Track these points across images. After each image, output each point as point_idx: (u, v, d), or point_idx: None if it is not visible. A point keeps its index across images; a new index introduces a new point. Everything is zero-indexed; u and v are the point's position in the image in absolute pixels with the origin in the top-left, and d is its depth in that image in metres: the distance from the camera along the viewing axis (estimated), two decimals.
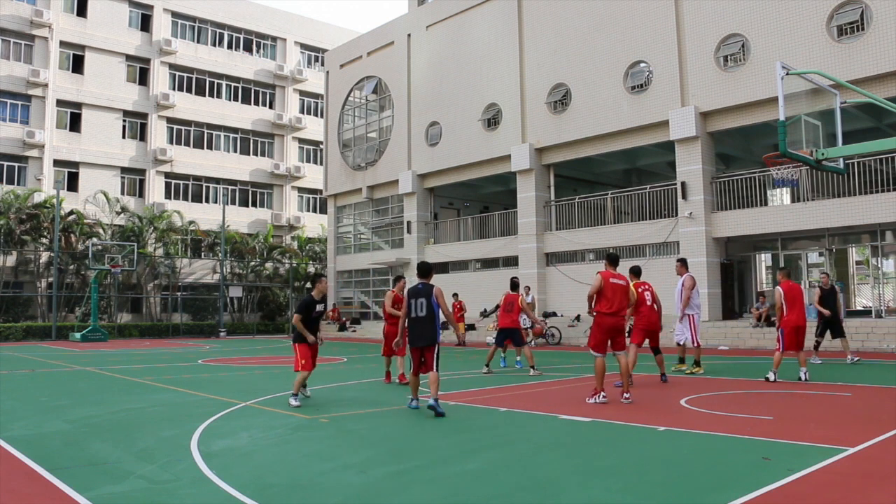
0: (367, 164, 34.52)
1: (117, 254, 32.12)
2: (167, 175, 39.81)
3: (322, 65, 41.46)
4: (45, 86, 35.81)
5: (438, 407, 7.97)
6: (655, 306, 11.07)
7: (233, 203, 41.48)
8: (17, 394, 10.64)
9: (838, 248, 21.55)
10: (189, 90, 41.12)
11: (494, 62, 28.10)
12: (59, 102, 36.55)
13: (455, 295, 24.96)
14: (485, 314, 27.37)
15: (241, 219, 41.56)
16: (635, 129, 23.64)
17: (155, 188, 39.16)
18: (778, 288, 11.09)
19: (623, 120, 23.68)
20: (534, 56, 26.66)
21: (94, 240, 33.16)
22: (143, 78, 39.61)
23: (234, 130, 42.50)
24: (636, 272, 11.45)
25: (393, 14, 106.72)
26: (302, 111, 45.41)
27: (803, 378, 10.57)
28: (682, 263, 12.63)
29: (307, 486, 5.00)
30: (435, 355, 8.26)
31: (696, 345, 12.22)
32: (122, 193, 38.00)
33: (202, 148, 41.24)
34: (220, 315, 35.80)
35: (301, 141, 45.07)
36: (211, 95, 41.82)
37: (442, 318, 8.75)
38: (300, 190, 44.87)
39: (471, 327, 26.39)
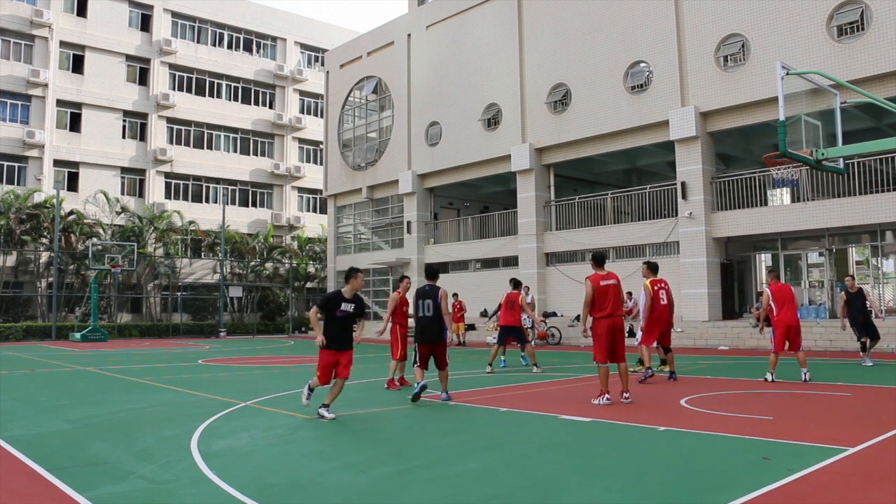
0: (367, 164, 34.52)
1: (117, 254, 32.12)
2: (167, 175, 39.82)
3: (322, 65, 41.47)
4: (45, 86, 35.81)
5: (451, 398, 9.22)
6: (670, 306, 11.18)
7: (233, 203, 41.49)
8: (17, 394, 10.63)
9: (838, 248, 21.54)
10: (189, 90, 41.12)
11: (494, 62, 28.10)
12: (59, 102, 36.56)
13: (455, 295, 24.96)
14: (484, 314, 27.38)
15: (241, 219, 41.56)
16: (635, 129, 23.64)
17: (155, 188, 39.16)
18: (766, 290, 11.08)
19: (623, 120, 23.68)
20: (534, 56, 26.66)
21: (94, 240, 33.15)
22: (143, 78, 39.62)
23: (234, 130, 42.50)
24: (654, 269, 11.38)
25: (393, 14, 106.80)
26: (302, 111, 45.42)
27: (805, 378, 10.57)
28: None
29: (307, 486, 5.00)
30: (445, 353, 9.34)
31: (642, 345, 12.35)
32: (122, 193, 38.00)
33: (202, 148, 41.24)
34: (220, 315, 35.80)
35: (301, 141, 45.07)
36: (211, 95, 41.83)
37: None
38: (300, 190, 44.87)
39: (471, 327, 26.40)
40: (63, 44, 36.89)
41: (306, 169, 44.47)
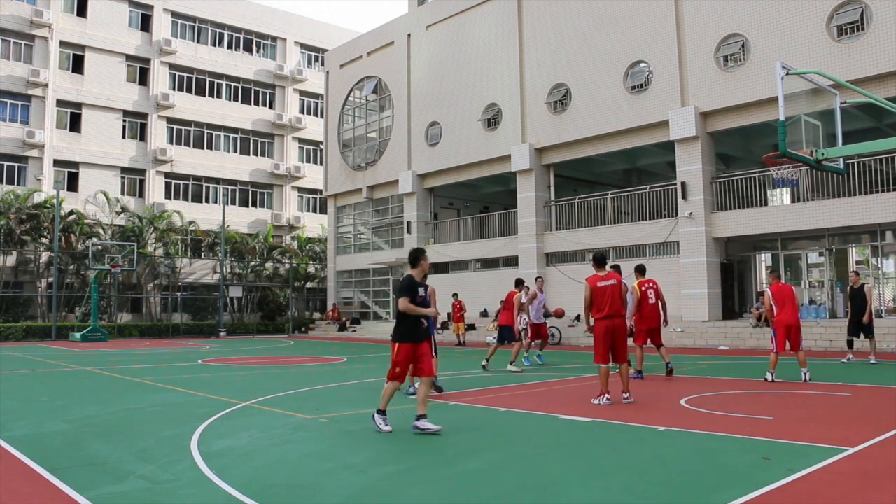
0: (367, 164, 34.52)
1: (117, 254, 32.12)
2: (167, 175, 39.81)
3: (322, 65, 41.47)
4: (45, 86, 35.80)
5: (440, 388, 9.67)
6: (660, 304, 11.41)
7: (233, 203, 41.49)
8: (17, 394, 10.63)
9: (838, 248, 21.54)
10: (189, 90, 41.12)
11: (494, 62, 28.10)
12: (59, 102, 36.55)
13: (455, 295, 24.97)
14: (485, 314, 27.41)
15: (241, 219, 41.56)
16: (635, 129, 23.64)
17: (155, 188, 39.16)
18: (767, 291, 11.16)
19: (623, 120, 23.68)
20: (534, 56, 26.66)
21: (94, 240, 33.15)
22: (143, 78, 39.61)
23: (234, 130, 42.50)
24: (641, 270, 11.62)
25: (393, 14, 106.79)
26: (302, 111, 45.42)
27: (805, 378, 10.57)
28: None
29: (307, 486, 5.00)
30: (433, 348, 9.49)
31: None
32: (122, 193, 37.99)
33: (202, 148, 41.24)
34: (220, 315, 35.80)
35: (301, 141, 45.07)
36: (211, 95, 41.82)
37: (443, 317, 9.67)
38: (300, 190, 44.87)
39: (471, 327, 26.39)
40: (63, 44, 36.89)
41: (306, 169, 44.47)
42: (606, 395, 8.59)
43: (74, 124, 37.17)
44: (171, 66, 40.42)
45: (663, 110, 22.54)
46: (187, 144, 40.70)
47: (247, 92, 43.26)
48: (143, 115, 39.30)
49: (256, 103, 43.55)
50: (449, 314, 25.64)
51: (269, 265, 40.74)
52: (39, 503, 4.66)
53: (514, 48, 27.33)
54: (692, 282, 21.73)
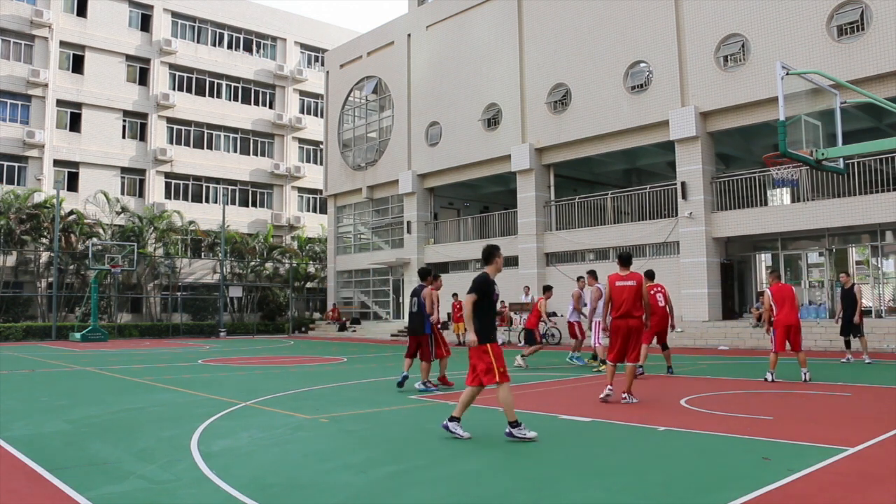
0: (367, 164, 34.53)
1: (117, 254, 32.12)
2: (167, 175, 39.81)
3: (322, 65, 41.47)
4: (45, 86, 35.81)
5: (427, 389, 10.11)
6: (668, 307, 11.99)
7: (233, 203, 41.49)
8: (17, 394, 10.63)
9: (838, 248, 21.55)
10: (189, 90, 41.12)
11: (494, 62, 28.10)
12: (59, 102, 36.55)
13: (454, 295, 24.96)
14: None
15: (241, 219, 41.56)
16: (635, 129, 23.64)
17: (155, 188, 39.16)
18: (767, 291, 11.22)
19: (623, 120, 23.69)
20: (534, 56, 26.66)
21: (94, 240, 33.15)
22: (143, 78, 39.61)
23: (234, 130, 42.50)
24: (650, 276, 11.76)
25: (393, 14, 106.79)
26: (302, 111, 45.42)
27: (805, 378, 10.57)
28: (592, 275, 13.32)
29: (307, 486, 5.00)
30: (429, 345, 10.23)
31: (597, 345, 13.46)
32: (122, 193, 37.99)
33: (202, 148, 41.24)
34: (220, 315, 35.80)
35: (301, 141, 45.07)
36: (211, 95, 41.82)
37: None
38: (300, 190, 44.87)
39: None
40: (63, 44, 36.89)
41: (306, 169, 44.47)
42: (609, 386, 8.74)
43: (74, 124, 37.17)
44: (171, 66, 40.42)
45: (663, 110, 22.54)
46: (187, 144, 40.69)
47: (247, 92, 43.26)
48: (143, 115, 39.30)
49: (256, 103, 43.55)
50: (449, 314, 25.65)
51: (269, 265, 40.74)
52: (39, 503, 4.66)
53: (514, 48, 27.33)
54: (692, 282, 21.73)
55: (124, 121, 38.80)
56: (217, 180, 41.58)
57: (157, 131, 39.51)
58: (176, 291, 36.77)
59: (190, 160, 40.33)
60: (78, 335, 28.72)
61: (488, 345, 6.43)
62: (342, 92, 36.19)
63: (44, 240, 33.63)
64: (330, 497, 4.66)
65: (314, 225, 43.94)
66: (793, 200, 21.43)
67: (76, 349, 23.23)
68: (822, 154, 9.05)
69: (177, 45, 39.98)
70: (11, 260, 33.29)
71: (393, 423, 7.76)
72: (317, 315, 40.86)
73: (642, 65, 23.41)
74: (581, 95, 24.92)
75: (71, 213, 34.30)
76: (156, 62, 39.65)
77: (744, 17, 20.89)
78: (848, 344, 14.43)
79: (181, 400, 9.73)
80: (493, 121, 28.19)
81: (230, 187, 42.03)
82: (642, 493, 4.65)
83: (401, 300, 32.41)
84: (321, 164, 41.55)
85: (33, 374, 13.99)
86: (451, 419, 6.55)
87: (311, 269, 41.77)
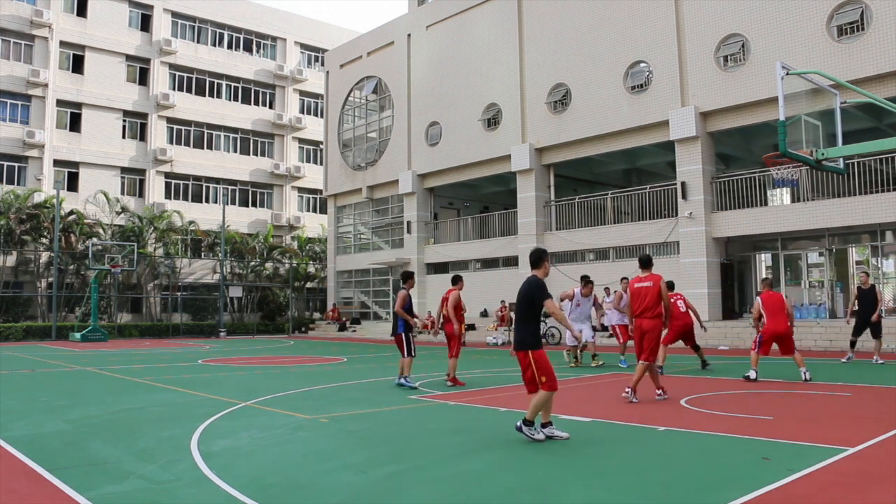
0: (367, 164, 34.52)
1: (117, 254, 32.12)
2: (167, 175, 39.81)
3: (322, 65, 41.47)
4: (45, 86, 35.80)
5: (407, 383, 10.66)
6: (690, 312, 12.85)
7: (233, 203, 41.48)
8: (17, 394, 10.63)
9: (838, 248, 21.54)
10: (189, 90, 41.11)
11: (494, 62, 28.10)
12: (59, 102, 36.55)
13: (502, 302, 25.03)
14: (485, 314, 27.40)
15: (241, 219, 41.56)
16: (635, 129, 23.64)
17: (155, 188, 39.16)
18: (757, 298, 11.33)
19: (623, 120, 23.68)
20: (534, 56, 26.66)
21: (94, 240, 33.15)
22: (143, 78, 39.61)
23: (234, 130, 42.50)
24: (670, 286, 11.83)
25: (393, 14, 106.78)
26: (302, 111, 45.42)
27: (805, 378, 10.58)
28: (586, 282, 14.31)
29: (307, 486, 5.00)
30: (401, 344, 10.77)
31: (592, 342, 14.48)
32: (122, 193, 37.99)
33: (202, 148, 41.24)
34: (220, 315, 35.80)
35: (301, 141, 45.07)
36: (211, 95, 41.82)
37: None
38: (300, 190, 44.87)
39: (471, 327, 26.42)
40: (63, 44, 36.89)
41: (306, 169, 44.47)
42: (658, 391, 9.04)
43: (74, 124, 37.17)
44: (171, 66, 40.41)
45: (663, 110, 22.54)
46: (187, 144, 40.69)
47: (247, 92, 43.26)
48: (143, 115, 39.30)
49: (256, 103, 43.55)
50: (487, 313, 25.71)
51: (269, 265, 40.74)
52: (39, 503, 4.66)
53: (514, 48, 27.33)
54: (692, 282, 21.72)
55: (124, 121, 38.79)
56: (217, 180, 41.58)
57: (157, 131, 39.51)
58: (176, 291, 36.77)
59: (190, 160, 40.33)
60: (78, 335, 28.72)
61: (537, 351, 6.30)
62: (342, 92, 36.19)
63: (44, 240, 33.63)
64: (330, 497, 4.66)
65: (314, 225, 43.95)
66: (793, 200, 21.43)
67: (76, 349, 23.23)
68: (822, 154, 9.05)
69: (177, 45, 39.97)
70: (11, 260, 33.29)
71: (393, 423, 7.76)
72: (317, 315, 40.87)
73: (642, 65, 23.41)
74: (581, 95, 24.92)
75: (71, 213, 34.30)
76: (156, 62, 39.65)
77: (744, 17, 20.88)
78: (853, 344, 14.24)
79: (181, 400, 9.73)
80: (493, 121, 28.18)
81: (230, 187, 42.03)
82: (642, 493, 4.66)
83: None
84: (321, 164, 41.55)
85: (33, 374, 14.00)
86: (525, 422, 6.35)
87: (311, 269, 41.77)
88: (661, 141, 23.16)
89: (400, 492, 4.78)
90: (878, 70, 18.35)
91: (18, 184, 35.01)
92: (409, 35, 32.34)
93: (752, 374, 10.81)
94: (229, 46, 42.95)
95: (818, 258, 22.11)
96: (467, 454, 5.94)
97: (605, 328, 16.47)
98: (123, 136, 38.70)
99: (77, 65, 37.43)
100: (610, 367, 14.04)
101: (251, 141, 43.20)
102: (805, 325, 19.74)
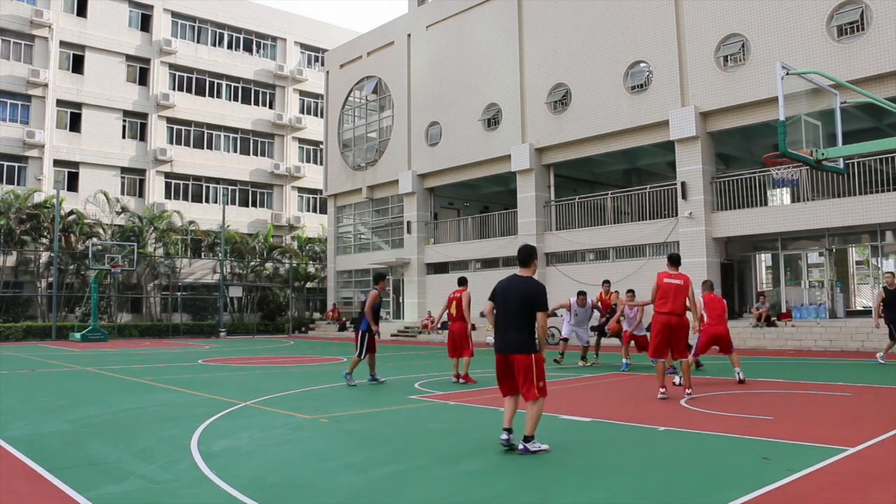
0: (367, 164, 34.52)
1: (117, 254, 32.13)
2: (167, 175, 39.81)
3: (322, 65, 41.47)
4: (45, 86, 35.81)
5: (349, 381, 11.07)
6: (725, 316, 12.16)
7: (233, 203, 41.49)
8: (17, 394, 10.63)
9: (838, 248, 21.54)
10: (189, 90, 41.12)
11: (494, 62, 28.10)
12: (59, 102, 36.55)
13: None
14: (484, 315, 27.23)
15: (241, 219, 41.56)
16: (635, 129, 23.64)
17: (155, 188, 39.16)
18: (700, 299, 11.23)
19: (623, 120, 23.68)
20: (534, 56, 26.66)
21: (94, 240, 33.16)
22: (143, 78, 39.61)
23: (234, 130, 42.50)
24: (709, 286, 11.86)
25: (393, 14, 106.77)
26: (302, 111, 45.42)
27: (739, 378, 10.63)
28: (583, 296, 15.07)
29: (307, 486, 5.00)
30: (357, 342, 11.31)
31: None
32: (122, 193, 37.99)
33: (202, 148, 41.24)
34: (220, 315, 35.81)
35: (301, 141, 45.07)
36: (211, 95, 41.82)
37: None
38: (300, 190, 44.88)
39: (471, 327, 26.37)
40: (63, 44, 36.89)
41: (306, 169, 44.47)
42: (662, 389, 8.98)
43: (74, 124, 37.17)
44: (171, 66, 40.42)
45: (663, 110, 22.54)
46: (187, 144, 40.69)
47: (247, 92, 43.26)
48: (143, 115, 39.30)
49: (256, 103, 43.55)
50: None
51: (269, 265, 40.75)
52: (39, 503, 4.66)
53: (514, 48, 27.32)
54: (692, 282, 21.68)
55: (124, 121, 38.79)
56: (217, 180, 41.58)
57: (157, 131, 39.51)
58: (176, 291, 36.77)
59: (190, 160, 40.33)
60: (78, 335, 28.72)
61: (533, 355, 6.02)
62: (342, 92, 36.19)
63: (44, 240, 33.63)
64: (330, 497, 4.66)
65: (314, 225, 43.94)
66: (793, 200, 21.42)
67: (76, 349, 23.23)
68: (822, 154, 9.04)
69: (177, 45, 39.97)
70: (11, 260, 33.29)
71: (393, 423, 7.76)
72: (317, 315, 40.86)
73: (642, 65, 23.41)
74: (581, 95, 24.92)
75: (71, 213, 34.30)
76: (156, 62, 39.65)
77: (744, 17, 20.88)
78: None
79: (181, 400, 9.73)
80: (493, 121, 28.18)
81: (230, 187, 42.03)
82: (642, 493, 4.65)
83: (401, 300, 32.42)
84: (321, 164, 41.55)
85: (33, 374, 14.00)
86: (526, 439, 5.95)
87: (311, 269, 41.77)
88: (661, 141, 23.15)
89: (400, 492, 4.78)
90: (878, 70, 18.35)
91: (18, 184, 35.01)
92: (409, 35, 32.34)
93: (677, 380, 10.38)
94: (229, 46, 42.96)
95: (818, 258, 22.11)
96: (467, 454, 5.93)
97: (604, 332, 16.35)
98: (123, 136, 38.71)
99: (77, 65, 37.43)
100: (610, 367, 14.04)
101: (251, 141, 43.21)
102: (805, 325, 19.74)
